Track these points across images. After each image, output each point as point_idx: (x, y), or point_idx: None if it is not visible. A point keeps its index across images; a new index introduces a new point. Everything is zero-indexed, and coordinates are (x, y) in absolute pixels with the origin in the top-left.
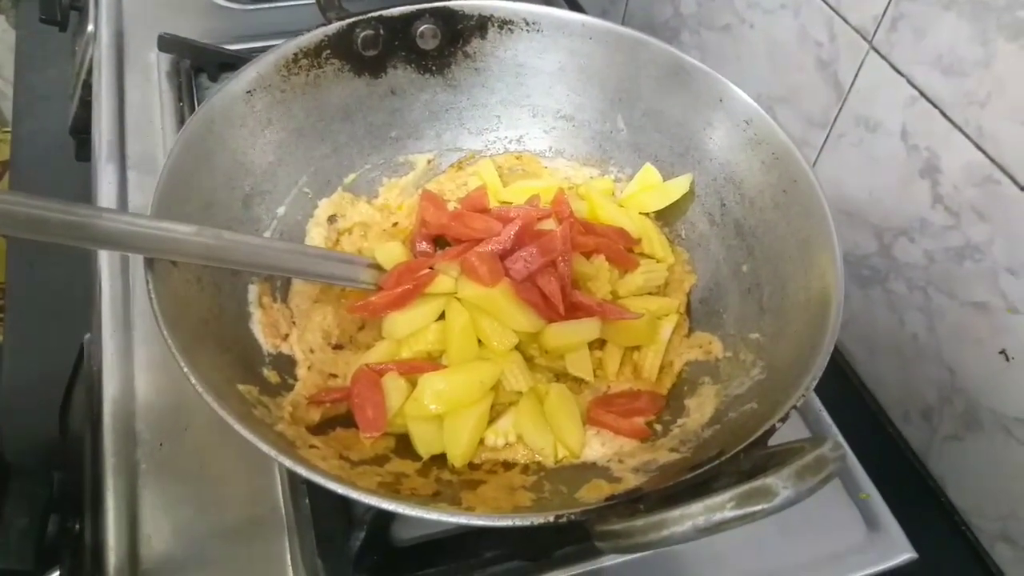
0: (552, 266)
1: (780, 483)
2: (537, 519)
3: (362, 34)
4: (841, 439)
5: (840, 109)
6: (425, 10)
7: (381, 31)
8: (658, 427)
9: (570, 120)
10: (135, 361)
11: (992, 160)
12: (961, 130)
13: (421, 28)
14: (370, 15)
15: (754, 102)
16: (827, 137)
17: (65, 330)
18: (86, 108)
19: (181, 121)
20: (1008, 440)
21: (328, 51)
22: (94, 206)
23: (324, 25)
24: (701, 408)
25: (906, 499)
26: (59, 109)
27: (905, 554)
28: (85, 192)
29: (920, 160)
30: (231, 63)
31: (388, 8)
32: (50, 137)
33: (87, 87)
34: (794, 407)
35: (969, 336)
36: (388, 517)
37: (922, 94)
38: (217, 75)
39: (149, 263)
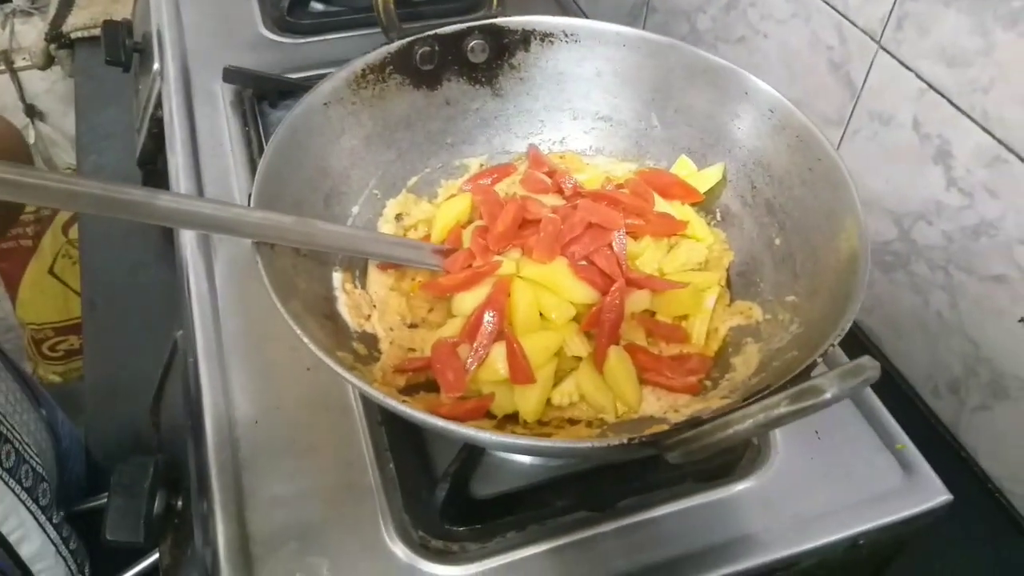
0: (608, 247)
1: (827, 383)
2: (613, 441)
3: (420, 50)
4: None
5: (854, 106)
6: (475, 27)
7: (436, 47)
8: (707, 383)
9: (608, 120)
10: (225, 351)
11: (999, 141)
12: (968, 116)
13: (471, 43)
14: (427, 33)
15: (776, 92)
16: (843, 133)
17: (140, 333)
18: (154, 140)
19: (248, 144)
20: None
21: (391, 67)
22: (209, 198)
23: (386, 44)
24: (747, 363)
25: (940, 471)
26: (121, 144)
27: (941, 496)
28: None
29: (932, 147)
30: (289, 90)
31: (441, 27)
32: (114, 169)
33: (155, 121)
34: (832, 345)
35: (990, 308)
36: (468, 473)
37: (930, 86)
38: (277, 102)
39: (257, 248)
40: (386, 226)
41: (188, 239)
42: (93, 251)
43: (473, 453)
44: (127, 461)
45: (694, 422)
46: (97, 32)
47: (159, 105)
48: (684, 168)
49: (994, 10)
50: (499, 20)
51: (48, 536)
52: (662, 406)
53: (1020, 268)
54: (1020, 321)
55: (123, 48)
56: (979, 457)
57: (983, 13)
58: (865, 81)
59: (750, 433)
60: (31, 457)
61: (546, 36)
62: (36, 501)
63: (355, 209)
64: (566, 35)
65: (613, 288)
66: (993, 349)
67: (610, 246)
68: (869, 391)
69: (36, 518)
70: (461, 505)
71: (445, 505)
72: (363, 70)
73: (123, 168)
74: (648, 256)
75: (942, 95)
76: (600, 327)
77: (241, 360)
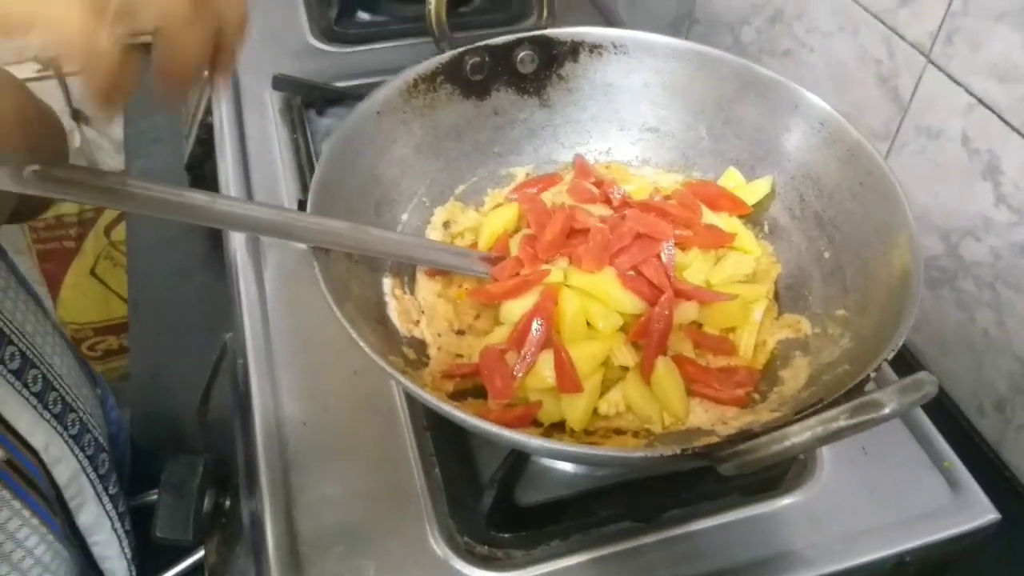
0: (656, 258)
1: (886, 397)
2: (666, 452)
3: (471, 61)
4: None
5: (902, 120)
6: (525, 38)
7: (487, 58)
8: (756, 396)
9: (655, 131)
10: (274, 353)
11: None
12: (1019, 132)
13: (521, 54)
14: (478, 44)
15: (827, 105)
16: (890, 147)
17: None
18: (203, 145)
19: (296, 151)
20: None
21: (441, 76)
22: (266, 203)
23: (437, 54)
24: (796, 376)
25: (985, 489)
26: (169, 149)
27: (989, 515)
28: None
29: (981, 163)
30: (336, 99)
31: (491, 37)
32: (162, 173)
33: (203, 127)
34: (886, 359)
35: None
36: (514, 480)
37: (980, 101)
38: (324, 109)
39: (313, 252)
40: (434, 233)
41: (238, 244)
42: (139, 254)
43: (519, 460)
44: (176, 459)
45: (747, 434)
46: (145, 39)
47: (209, 111)
48: (732, 180)
49: None
50: (549, 31)
51: (104, 509)
52: (710, 418)
53: None
54: None
55: None
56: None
57: None
58: (913, 95)
59: (808, 447)
60: (93, 427)
61: (595, 47)
62: (96, 470)
63: (404, 216)
64: (615, 46)
65: (662, 299)
66: None
67: (658, 256)
68: (917, 408)
69: (94, 487)
70: (506, 512)
71: (491, 511)
72: (415, 80)
73: (170, 172)
74: (695, 268)
75: (992, 111)
76: (648, 338)
77: (289, 362)
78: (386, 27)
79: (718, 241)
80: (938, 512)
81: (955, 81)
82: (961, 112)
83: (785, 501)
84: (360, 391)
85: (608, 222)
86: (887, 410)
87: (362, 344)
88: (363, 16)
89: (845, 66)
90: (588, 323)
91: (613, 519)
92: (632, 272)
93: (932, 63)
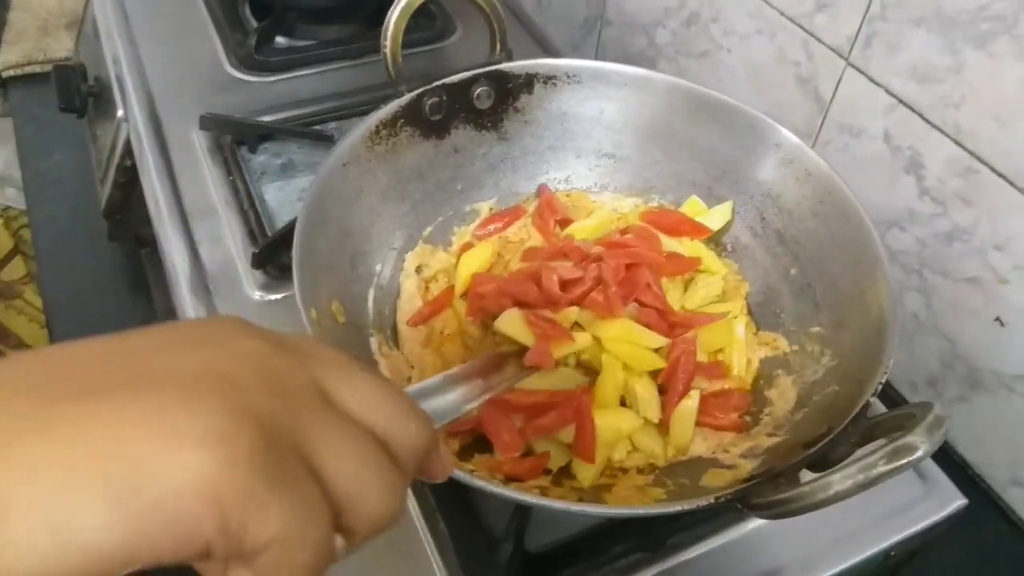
0: (647, 285)
1: (918, 439)
2: (701, 502)
3: (429, 101)
4: None
5: (823, 120)
6: (480, 74)
7: (444, 97)
8: (747, 419)
9: (611, 157)
10: None
11: (971, 153)
12: (940, 130)
13: (478, 90)
14: (435, 84)
15: (781, 127)
16: (813, 145)
17: None
18: (122, 190)
19: (235, 193)
20: (1010, 396)
21: (402, 120)
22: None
23: (397, 97)
24: (784, 396)
25: None
26: (75, 192)
27: (957, 501)
28: (126, 270)
29: (904, 159)
30: (268, 134)
31: (449, 76)
32: (71, 220)
33: (122, 170)
34: (880, 383)
35: (965, 308)
36: (524, 528)
37: (901, 101)
38: (256, 146)
39: (307, 320)
40: (408, 280)
41: (186, 295)
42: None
43: (527, 508)
44: None
45: (771, 473)
46: (31, 70)
47: (127, 154)
48: (694, 207)
49: (963, 31)
50: (504, 65)
51: None
52: (709, 446)
53: (994, 270)
54: (995, 320)
55: (77, 94)
56: (957, 445)
57: (952, 33)
58: (834, 96)
59: (850, 494)
60: None
61: (549, 78)
62: None
63: (379, 267)
64: (568, 76)
65: (682, 341)
66: (969, 346)
67: (648, 285)
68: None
69: None
70: (521, 561)
71: (508, 563)
72: (377, 126)
73: (84, 218)
74: (669, 297)
75: (913, 110)
76: (673, 382)
77: None
78: (308, 52)
79: (684, 267)
80: (914, 504)
81: (875, 82)
82: (882, 112)
83: None
84: None
85: (590, 264)
86: (920, 452)
87: None
88: (282, 42)
89: (764, 68)
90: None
91: (624, 553)
92: (636, 304)
93: (851, 65)
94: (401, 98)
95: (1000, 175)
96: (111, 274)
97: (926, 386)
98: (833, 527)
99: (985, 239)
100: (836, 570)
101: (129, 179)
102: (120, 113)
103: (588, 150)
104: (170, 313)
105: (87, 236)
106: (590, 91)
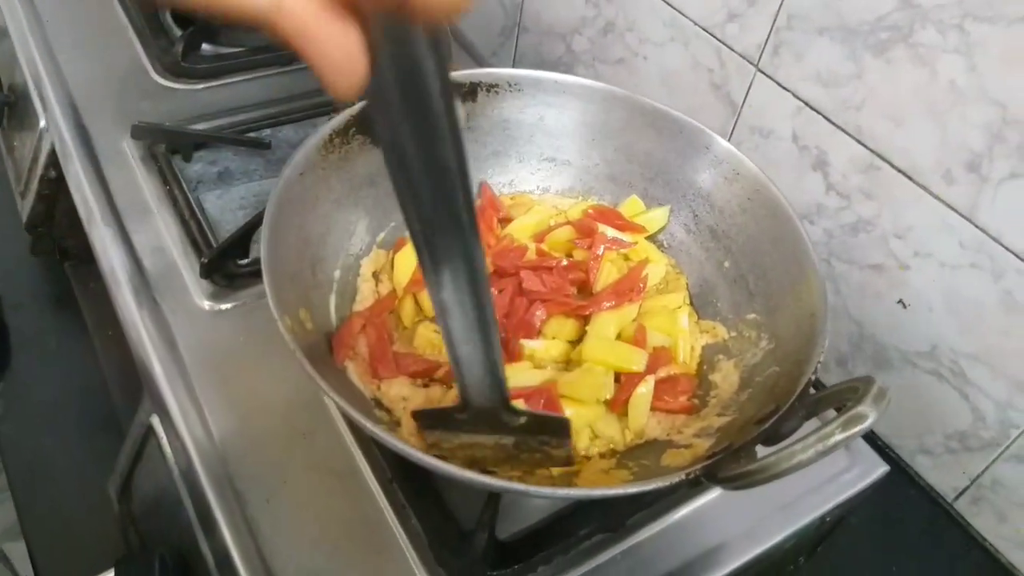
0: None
1: (867, 409)
2: (674, 479)
3: None
4: None
5: (736, 121)
6: None
7: None
8: (696, 401)
9: (552, 161)
10: (213, 433)
11: (872, 151)
12: (843, 130)
13: None
14: None
15: (711, 131)
16: None
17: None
18: (45, 202)
19: (174, 203)
20: (915, 371)
21: (353, 128)
22: None
23: (350, 106)
24: (727, 379)
25: None
26: None
27: (881, 468)
28: (51, 284)
29: (811, 157)
30: (203, 143)
31: None
32: None
33: (45, 182)
34: (819, 362)
35: (870, 293)
36: (495, 518)
37: (807, 104)
38: (191, 155)
39: (282, 328)
40: (365, 285)
41: (137, 320)
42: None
43: (497, 497)
44: (127, 560)
45: (731, 448)
46: None
47: (51, 165)
48: (634, 207)
49: (863, 39)
50: (450, 75)
51: None
52: (664, 428)
53: (896, 257)
54: (898, 303)
55: None
56: None
57: (853, 42)
58: (745, 100)
59: (811, 461)
60: None
61: (492, 87)
62: None
63: (336, 273)
64: (510, 85)
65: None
66: (875, 327)
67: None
68: None
69: None
70: (495, 549)
71: (485, 552)
72: (330, 135)
73: (3, 232)
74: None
75: (818, 112)
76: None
77: (231, 438)
78: (238, 59)
79: (624, 240)
80: (843, 472)
81: (783, 87)
82: (790, 114)
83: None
84: (315, 454)
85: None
86: (870, 420)
87: (356, 416)
88: (208, 49)
89: (678, 74)
90: None
91: (589, 535)
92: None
93: (761, 71)
94: (352, 107)
95: (899, 170)
96: (35, 289)
97: (836, 366)
98: (775, 498)
99: (887, 229)
100: (780, 537)
101: (52, 191)
102: (42, 124)
103: (529, 155)
104: (103, 327)
105: (8, 252)
106: (530, 99)
